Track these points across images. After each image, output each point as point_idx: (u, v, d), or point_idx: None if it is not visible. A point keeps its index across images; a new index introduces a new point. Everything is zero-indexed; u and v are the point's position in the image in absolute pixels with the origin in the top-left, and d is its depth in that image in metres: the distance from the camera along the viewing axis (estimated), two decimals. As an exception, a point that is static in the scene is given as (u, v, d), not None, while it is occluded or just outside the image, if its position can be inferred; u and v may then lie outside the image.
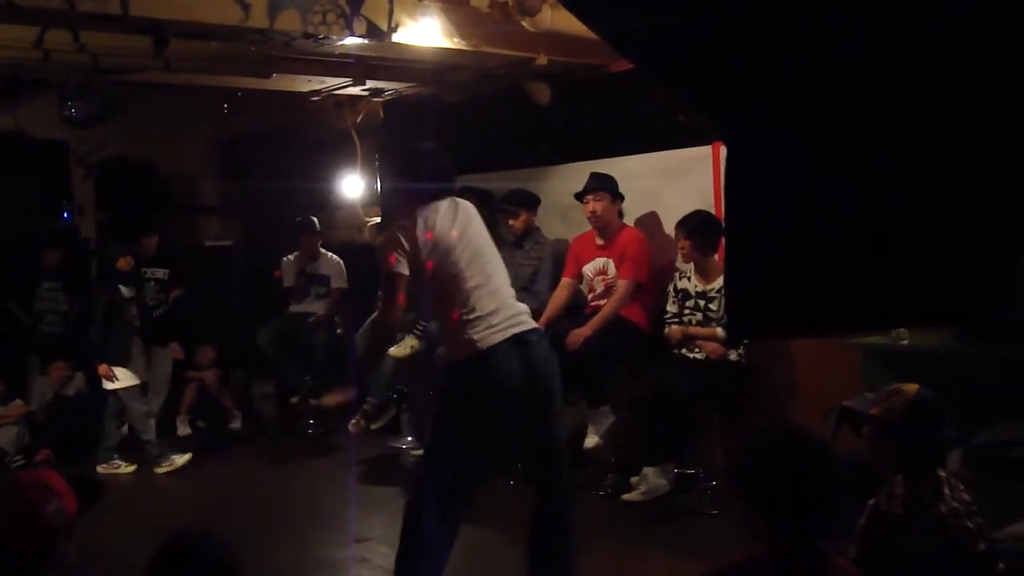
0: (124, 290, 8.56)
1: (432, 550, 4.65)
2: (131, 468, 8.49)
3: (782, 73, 1.56)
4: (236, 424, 9.94)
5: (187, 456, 8.50)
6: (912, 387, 3.57)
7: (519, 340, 4.71)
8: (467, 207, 4.96)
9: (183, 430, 9.72)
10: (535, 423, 4.80)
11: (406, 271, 4.71)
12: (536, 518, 4.93)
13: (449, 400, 4.76)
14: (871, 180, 1.60)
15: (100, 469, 8.40)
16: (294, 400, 9.49)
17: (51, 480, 3.20)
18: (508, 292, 4.85)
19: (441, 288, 4.73)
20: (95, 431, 8.75)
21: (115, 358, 8.40)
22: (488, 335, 4.64)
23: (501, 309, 4.73)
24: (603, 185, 7.28)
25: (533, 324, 4.86)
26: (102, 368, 8.39)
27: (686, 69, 1.66)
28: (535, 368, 4.72)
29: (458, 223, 4.83)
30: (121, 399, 8.43)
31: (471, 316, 4.66)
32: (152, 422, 8.53)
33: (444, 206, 4.88)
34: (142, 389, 8.55)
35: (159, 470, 8.37)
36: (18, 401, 9.02)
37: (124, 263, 8.61)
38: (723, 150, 6.86)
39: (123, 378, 8.41)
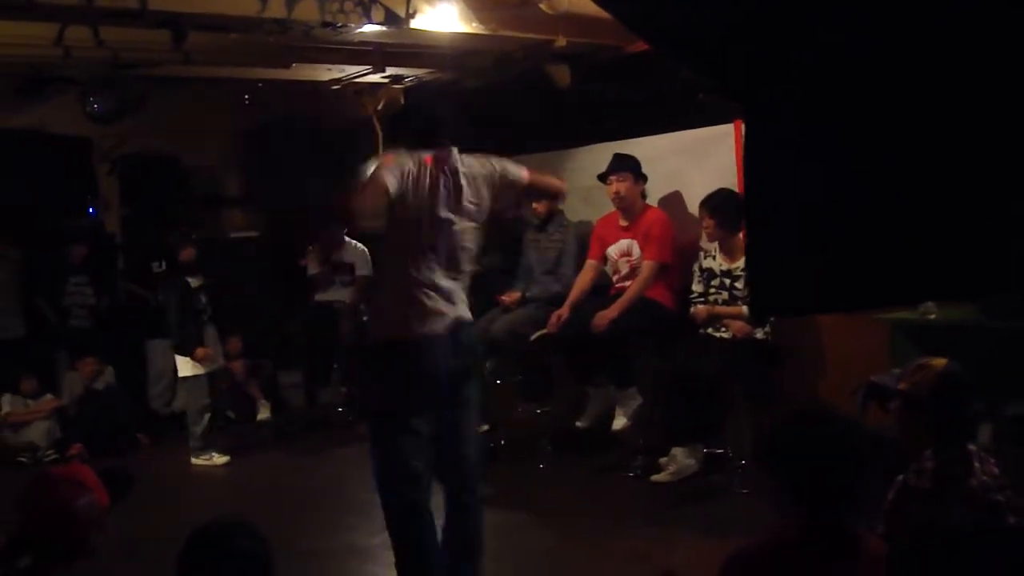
0: (192, 280, 8.61)
1: (424, 542, 4.57)
2: (225, 458, 8.57)
3: (796, 61, 1.56)
4: (265, 414, 9.98)
5: (226, 458, 8.53)
6: (940, 361, 3.55)
7: (456, 329, 4.54)
8: (474, 170, 4.70)
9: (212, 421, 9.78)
10: (453, 415, 4.62)
11: (392, 186, 4.33)
12: (447, 526, 4.72)
13: (383, 385, 4.59)
14: (894, 156, 1.60)
15: (195, 461, 8.51)
16: (326, 388, 9.55)
17: (82, 474, 3.23)
18: (465, 277, 4.66)
19: (403, 238, 4.45)
20: (127, 424, 8.85)
21: (188, 347, 8.51)
22: (434, 322, 4.46)
23: (454, 295, 4.56)
24: (626, 166, 7.26)
25: (469, 316, 4.67)
26: (198, 352, 8.49)
27: (700, 53, 1.66)
28: (463, 358, 4.57)
29: (454, 183, 4.58)
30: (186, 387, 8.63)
31: (424, 292, 4.45)
32: (207, 416, 8.59)
33: (456, 155, 4.64)
34: (208, 378, 8.63)
35: (196, 461, 8.42)
36: (49, 396, 9.10)
37: (187, 254, 8.65)
38: (743, 129, 6.86)
39: (188, 368, 8.55)
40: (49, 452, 8.79)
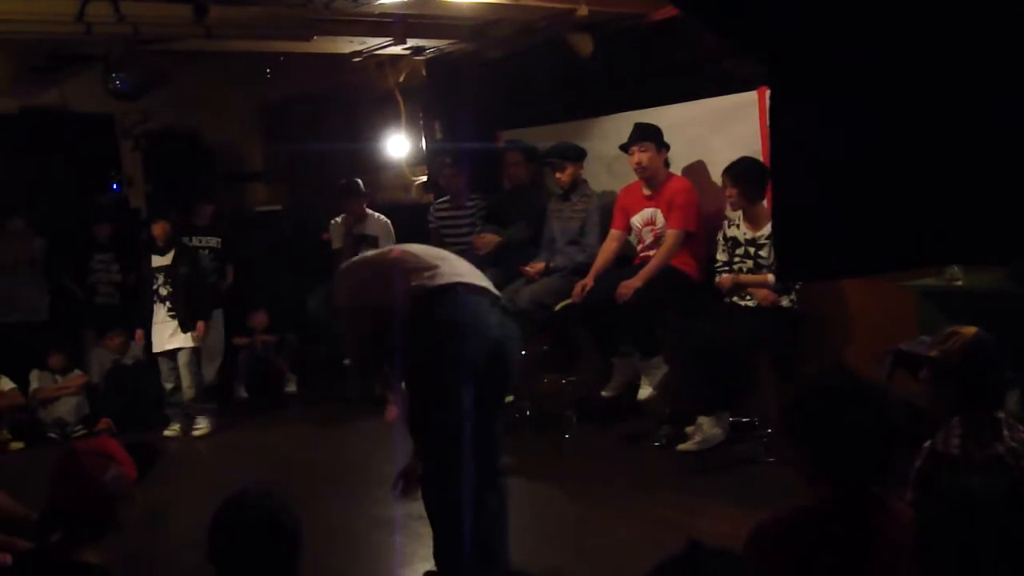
0: (156, 259, 8.69)
1: (467, 525, 4.48)
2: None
3: (826, 22, 1.53)
4: (291, 387, 10.03)
5: (176, 427, 8.80)
6: (970, 329, 3.54)
7: (499, 303, 4.65)
8: None
9: (240, 394, 9.84)
10: (490, 399, 4.64)
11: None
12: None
13: (422, 345, 4.44)
14: (921, 118, 1.57)
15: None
16: (347, 361, 9.55)
17: (109, 447, 3.24)
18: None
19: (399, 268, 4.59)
20: (154, 398, 8.94)
21: (138, 326, 8.78)
22: (458, 277, 4.54)
23: (465, 273, 4.66)
24: (648, 135, 7.22)
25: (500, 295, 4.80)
26: (137, 333, 8.81)
27: (729, 17, 1.64)
28: (507, 344, 4.61)
29: None
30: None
31: (432, 271, 4.52)
32: (172, 389, 8.83)
33: None
34: (166, 357, 8.79)
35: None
36: (77, 372, 9.16)
37: (159, 230, 8.72)
38: (768, 94, 6.80)
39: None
40: (78, 428, 8.87)
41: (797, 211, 1.62)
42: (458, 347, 4.40)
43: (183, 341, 8.79)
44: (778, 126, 1.65)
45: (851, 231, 1.60)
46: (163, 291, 8.76)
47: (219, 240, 9.72)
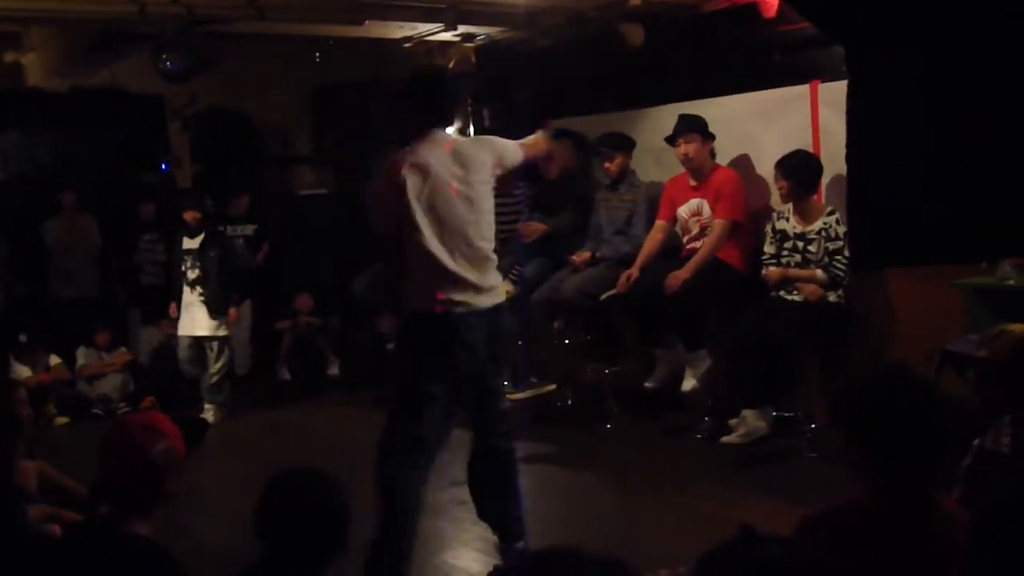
0: (187, 241, 8.70)
1: (403, 502, 4.84)
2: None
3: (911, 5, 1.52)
4: (334, 370, 10.07)
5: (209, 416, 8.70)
6: (1020, 327, 3.51)
7: (487, 312, 4.73)
8: (472, 153, 4.84)
9: (283, 376, 9.90)
10: (483, 384, 4.88)
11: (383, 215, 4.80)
12: (473, 455, 5.13)
13: (411, 355, 4.80)
14: (1003, 111, 1.55)
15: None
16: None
17: (158, 421, 3.26)
18: (490, 258, 4.81)
19: (418, 229, 4.63)
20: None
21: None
22: (458, 298, 4.63)
23: (477, 275, 4.71)
24: (692, 127, 7.18)
25: (502, 298, 4.87)
26: (171, 306, 8.81)
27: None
28: (498, 338, 4.82)
29: (457, 170, 4.74)
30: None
31: (443, 271, 4.62)
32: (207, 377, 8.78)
33: (449, 143, 4.87)
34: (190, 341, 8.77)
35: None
36: (123, 349, 9.25)
37: (190, 216, 8.73)
38: (821, 88, 6.72)
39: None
40: (122, 405, 8.95)
41: (872, 198, 1.60)
42: (436, 373, 4.70)
43: (210, 329, 8.71)
44: (855, 113, 1.63)
45: (926, 219, 1.58)
46: (191, 275, 8.70)
47: (254, 227, 9.78)
